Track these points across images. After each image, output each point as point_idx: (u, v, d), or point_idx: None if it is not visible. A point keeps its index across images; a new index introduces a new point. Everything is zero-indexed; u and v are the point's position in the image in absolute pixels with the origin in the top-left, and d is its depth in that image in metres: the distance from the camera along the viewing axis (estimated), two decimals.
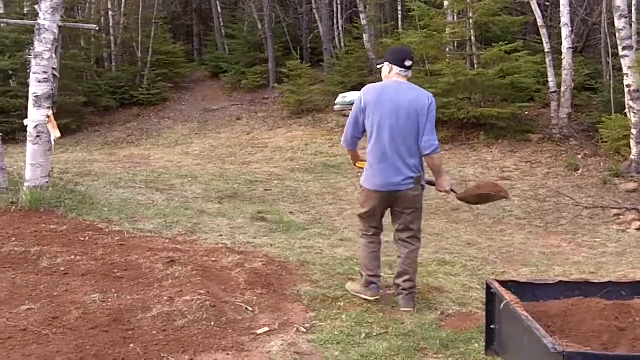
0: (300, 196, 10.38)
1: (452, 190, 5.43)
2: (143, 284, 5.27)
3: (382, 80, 5.31)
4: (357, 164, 5.56)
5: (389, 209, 5.29)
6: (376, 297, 5.25)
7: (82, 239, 6.56)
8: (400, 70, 5.15)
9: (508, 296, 3.78)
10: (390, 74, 5.19)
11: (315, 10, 22.62)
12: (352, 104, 18.42)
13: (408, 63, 5.16)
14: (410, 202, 5.15)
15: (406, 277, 5.19)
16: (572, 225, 9.16)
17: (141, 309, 4.75)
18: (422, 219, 5.31)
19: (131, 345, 4.21)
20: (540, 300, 4.07)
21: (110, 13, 23.02)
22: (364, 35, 20.01)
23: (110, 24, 22.90)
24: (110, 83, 21.24)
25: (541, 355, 3.16)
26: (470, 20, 15.13)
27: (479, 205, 10.02)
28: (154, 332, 4.41)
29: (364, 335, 4.56)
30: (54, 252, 5.96)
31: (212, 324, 4.58)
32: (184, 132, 18.24)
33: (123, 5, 23.01)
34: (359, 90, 16.45)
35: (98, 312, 4.67)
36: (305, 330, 4.62)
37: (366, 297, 5.25)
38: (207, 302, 4.81)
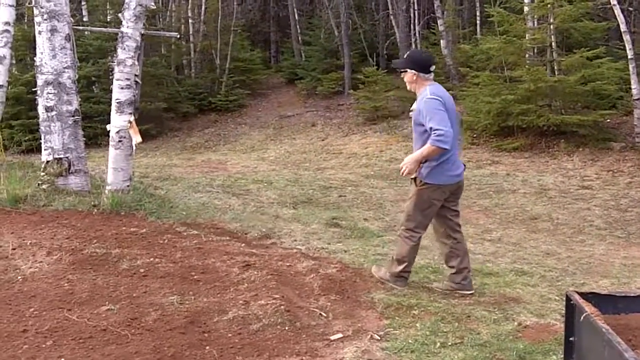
0: (375, 203, 10.35)
1: None
2: (219, 287, 5.34)
3: (407, 85, 5.67)
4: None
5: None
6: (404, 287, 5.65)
7: (161, 241, 6.69)
8: (428, 76, 5.50)
9: (588, 308, 3.68)
10: (418, 80, 5.47)
11: (392, 17, 22.56)
12: None
13: (433, 68, 5.55)
14: (463, 187, 5.73)
15: (467, 258, 5.69)
16: None
17: (217, 311, 4.81)
18: None
19: (207, 347, 4.27)
20: (621, 313, 3.94)
21: (190, 21, 23.52)
22: (442, 41, 19.85)
23: (190, 32, 23.40)
24: (190, 90, 21.69)
25: None
26: (551, 26, 14.83)
27: (558, 215, 9.81)
28: (230, 335, 4.46)
29: (438, 344, 4.50)
30: (134, 255, 6.10)
31: (287, 328, 4.60)
32: (260, 138, 18.46)
33: (203, 13, 23.47)
34: None
35: (176, 314, 4.75)
36: (379, 338, 4.58)
37: (396, 287, 5.61)
38: (282, 307, 4.84)
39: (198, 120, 20.95)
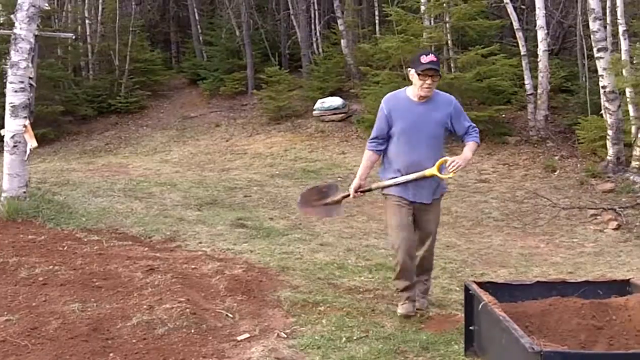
0: (280, 202, 10.38)
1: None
2: (122, 293, 5.26)
3: (405, 88, 5.26)
4: None
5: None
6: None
7: (61, 248, 6.53)
8: None
9: (486, 297, 3.82)
10: None
11: (292, 17, 22.63)
12: (331, 109, 18.31)
13: None
14: None
15: None
16: (550, 226, 9.23)
17: (121, 317, 4.74)
18: (393, 221, 5.14)
19: (111, 354, 4.20)
20: (518, 300, 4.11)
21: (87, 21, 22.89)
22: (342, 41, 20.04)
23: (87, 33, 22.77)
24: (88, 92, 21.11)
25: (519, 355, 3.19)
26: (447, 25, 15.21)
27: (457, 208, 10.10)
28: (134, 341, 4.40)
29: (344, 339, 4.58)
30: (33, 263, 5.93)
31: (192, 331, 4.57)
32: (163, 140, 18.16)
33: (100, 13, 22.89)
34: (338, 95, 16.31)
35: (77, 321, 4.65)
36: (285, 336, 4.62)
37: None
38: (187, 310, 4.81)
39: (97, 123, 20.41)
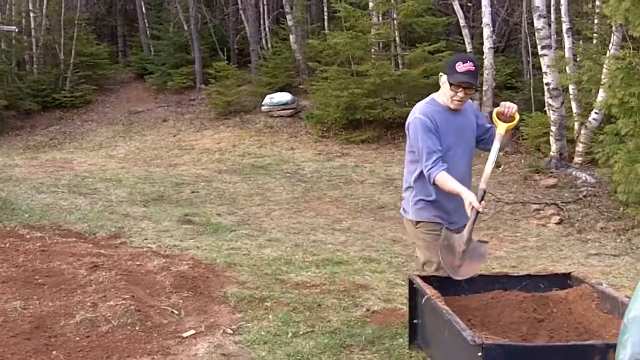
0: (228, 197, 10.34)
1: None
2: (66, 290, 5.18)
3: (432, 97, 4.36)
4: None
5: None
6: None
7: (2, 245, 6.41)
8: None
9: (429, 291, 3.86)
10: None
11: (241, 11, 22.51)
12: (280, 104, 18.23)
13: None
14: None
15: None
16: (494, 221, 9.37)
17: (64, 315, 4.67)
18: (424, 256, 4.47)
19: (54, 352, 4.14)
20: (461, 294, 4.16)
21: (31, 14, 22.44)
22: (291, 36, 20.03)
23: (32, 26, 22.32)
24: (32, 86, 20.71)
25: (461, 348, 3.24)
26: (395, 21, 15.33)
27: None
28: (77, 339, 4.34)
29: (290, 334, 4.59)
30: None
31: (137, 328, 4.53)
32: (109, 135, 17.90)
33: (45, 6, 22.45)
34: (287, 91, 16.26)
35: (19, 319, 4.57)
36: (231, 332, 4.61)
37: None
38: (132, 307, 4.76)
39: (42, 117, 20.03)
